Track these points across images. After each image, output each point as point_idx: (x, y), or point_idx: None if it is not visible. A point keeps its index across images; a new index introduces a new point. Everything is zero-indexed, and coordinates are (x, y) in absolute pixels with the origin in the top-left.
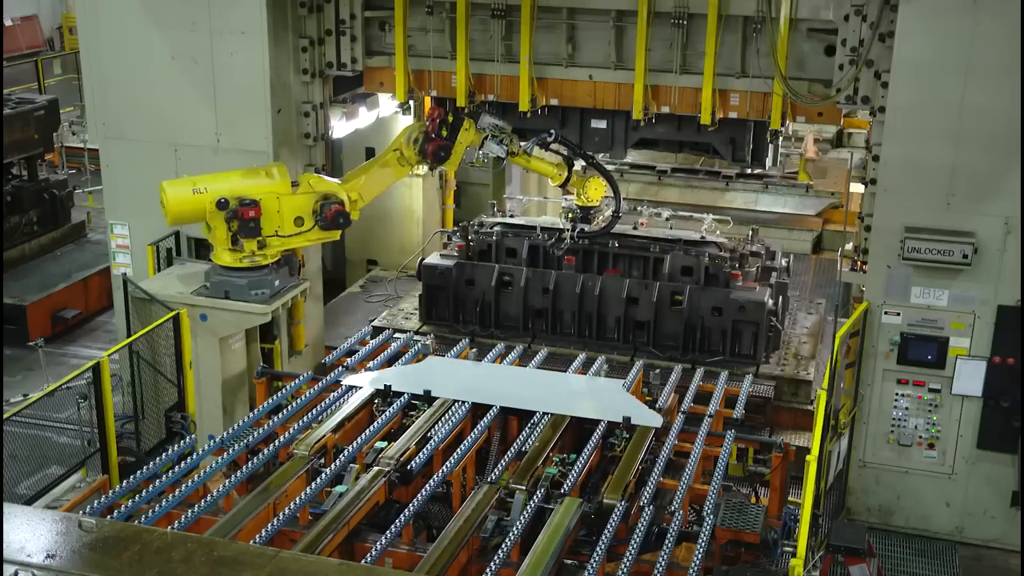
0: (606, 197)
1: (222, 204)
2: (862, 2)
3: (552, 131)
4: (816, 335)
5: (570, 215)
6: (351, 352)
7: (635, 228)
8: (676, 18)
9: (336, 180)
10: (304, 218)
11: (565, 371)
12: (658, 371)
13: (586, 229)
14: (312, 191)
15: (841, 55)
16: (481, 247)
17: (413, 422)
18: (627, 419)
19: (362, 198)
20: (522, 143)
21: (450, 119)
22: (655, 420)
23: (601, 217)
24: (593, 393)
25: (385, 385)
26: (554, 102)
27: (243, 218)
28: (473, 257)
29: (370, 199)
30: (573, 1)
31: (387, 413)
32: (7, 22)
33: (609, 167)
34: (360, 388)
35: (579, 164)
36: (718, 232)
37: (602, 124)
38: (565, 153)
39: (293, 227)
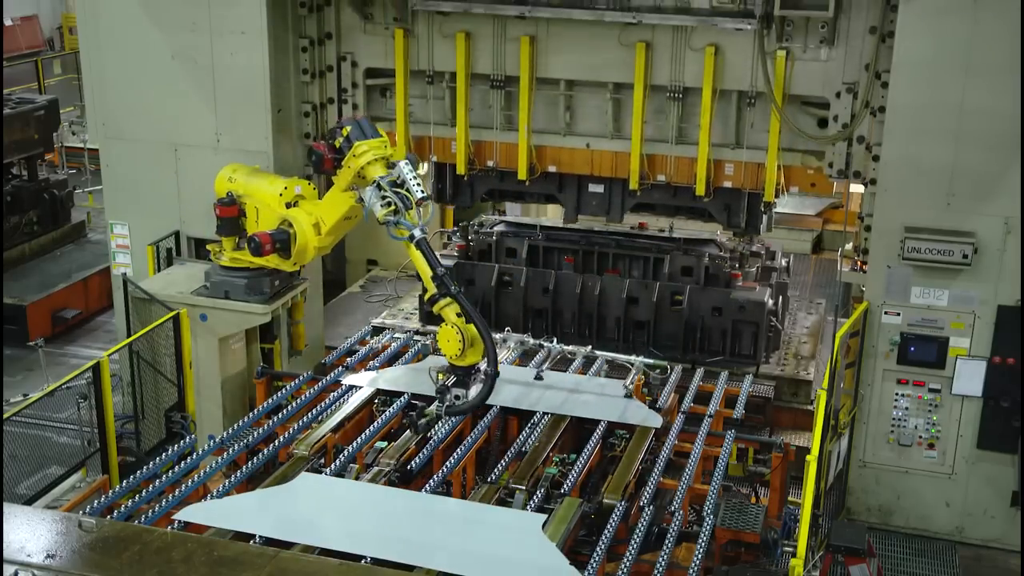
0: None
1: (227, 194)
2: (853, 80)
3: (449, 285)
4: (816, 335)
5: (440, 377)
6: (351, 352)
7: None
8: (672, 91)
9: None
10: None
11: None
12: (658, 371)
13: (456, 403)
14: (281, 212)
15: (833, 129)
16: (481, 247)
17: None
18: (627, 419)
19: (323, 221)
20: (415, 228)
21: (344, 132)
22: (655, 420)
23: (476, 379)
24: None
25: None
26: (552, 169)
27: (214, 212)
28: (473, 257)
29: (332, 222)
30: (571, 73)
31: (387, 413)
32: (7, 22)
33: None
34: (360, 388)
35: None
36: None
37: (599, 189)
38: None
39: None
